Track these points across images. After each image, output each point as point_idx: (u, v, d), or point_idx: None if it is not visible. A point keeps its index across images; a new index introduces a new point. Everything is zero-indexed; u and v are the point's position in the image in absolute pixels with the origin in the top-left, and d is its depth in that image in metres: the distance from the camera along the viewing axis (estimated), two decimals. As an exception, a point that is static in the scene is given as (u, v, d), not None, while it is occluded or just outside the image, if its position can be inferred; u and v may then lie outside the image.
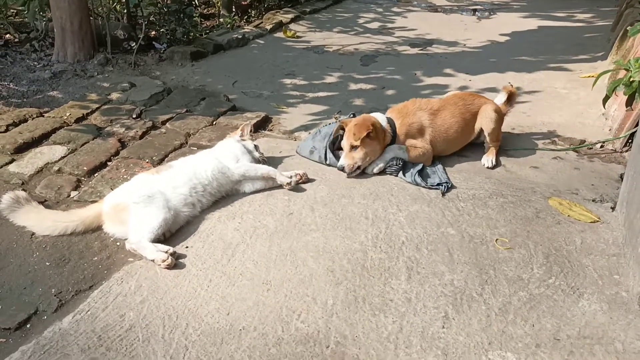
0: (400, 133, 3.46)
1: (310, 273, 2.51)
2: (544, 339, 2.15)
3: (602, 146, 3.82)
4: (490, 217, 2.96)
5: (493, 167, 3.52)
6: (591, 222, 2.93)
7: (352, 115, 3.86)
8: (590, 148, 3.80)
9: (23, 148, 3.68)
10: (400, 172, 3.36)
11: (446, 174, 3.37)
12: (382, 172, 3.39)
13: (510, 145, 3.82)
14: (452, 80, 5.35)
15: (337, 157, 3.50)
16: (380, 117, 3.46)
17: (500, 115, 3.66)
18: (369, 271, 2.53)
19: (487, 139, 3.62)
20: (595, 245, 2.74)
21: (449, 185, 3.24)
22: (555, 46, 6.51)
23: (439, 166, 3.45)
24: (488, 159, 3.56)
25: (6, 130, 3.89)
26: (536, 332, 2.18)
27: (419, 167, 3.37)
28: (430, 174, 3.36)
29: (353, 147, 3.34)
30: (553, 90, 5.01)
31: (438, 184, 3.23)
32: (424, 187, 3.24)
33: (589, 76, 5.22)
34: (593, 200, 3.16)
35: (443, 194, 3.17)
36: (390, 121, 3.47)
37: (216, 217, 2.97)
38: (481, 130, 3.65)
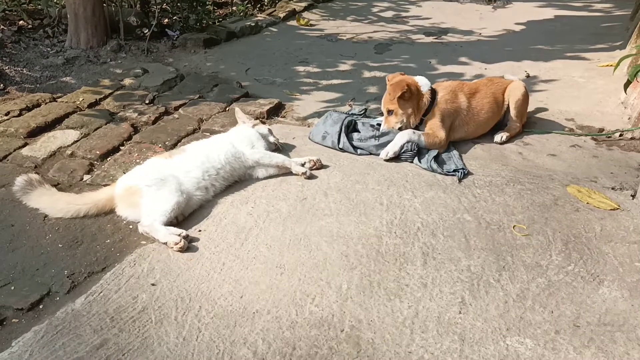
0: (439, 107, 3.43)
1: (324, 257, 2.48)
2: (564, 326, 2.10)
3: (621, 135, 3.75)
4: (507, 203, 2.91)
5: (502, 143, 3.56)
6: (611, 209, 2.86)
7: (366, 102, 3.81)
8: (609, 136, 3.72)
9: (36, 132, 3.67)
10: (416, 158, 3.31)
11: (462, 160, 3.32)
12: (396, 158, 3.35)
13: (527, 132, 3.76)
14: (467, 68, 5.27)
15: (351, 141, 3.46)
16: (423, 81, 3.45)
17: (527, 92, 3.72)
18: (384, 256, 2.49)
19: (513, 113, 3.64)
20: (615, 232, 2.68)
21: (465, 172, 3.18)
22: (573, 35, 6.40)
23: (455, 152, 3.40)
24: (500, 135, 3.59)
25: (19, 115, 3.89)
26: (555, 319, 2.13)
27: (434, 153, 3.31)
28: (446, 160, 3.30)
29: (389, 112, 3.39)
30: (570, 79, 4.92)
31: (454, 171, 3.18)
32: (440, 173, 3.19)
33: (607, 65, 5.11)
34: (612, 188, 3.09)
35: (459, 180, 3.12)
36: (432, 90, 3.45)
37: (229, 202, 2.94)
38: (505, 113, 3.67)
